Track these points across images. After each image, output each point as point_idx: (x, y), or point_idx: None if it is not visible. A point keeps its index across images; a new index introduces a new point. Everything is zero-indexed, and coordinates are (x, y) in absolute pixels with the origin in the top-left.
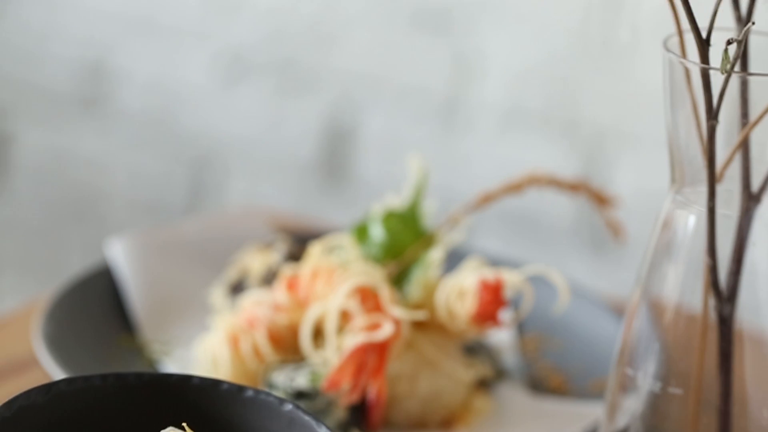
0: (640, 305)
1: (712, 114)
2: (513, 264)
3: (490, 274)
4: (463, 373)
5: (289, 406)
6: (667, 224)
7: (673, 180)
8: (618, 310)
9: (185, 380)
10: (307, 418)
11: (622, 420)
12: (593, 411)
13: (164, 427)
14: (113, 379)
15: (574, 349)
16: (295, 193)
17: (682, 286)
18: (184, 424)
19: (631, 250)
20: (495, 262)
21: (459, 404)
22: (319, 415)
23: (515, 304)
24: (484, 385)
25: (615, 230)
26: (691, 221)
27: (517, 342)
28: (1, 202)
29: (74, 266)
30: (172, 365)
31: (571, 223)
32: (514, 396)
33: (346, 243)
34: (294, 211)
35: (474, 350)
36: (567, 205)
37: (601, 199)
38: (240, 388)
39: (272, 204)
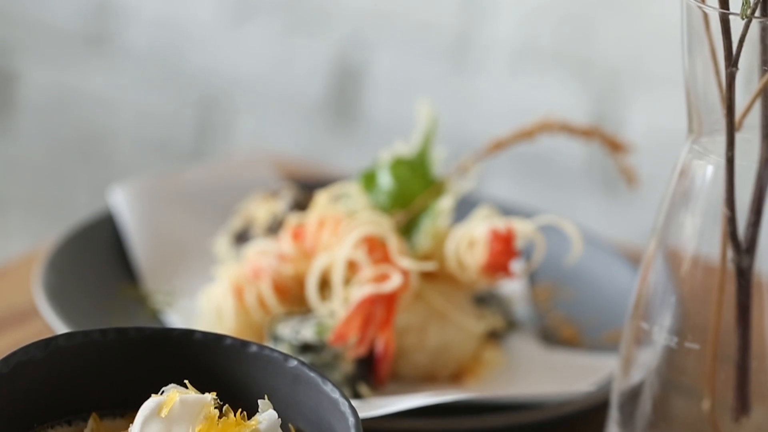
0: (656, 256)
1: (732, 61)
2: (525, 212)
3: (501, 224)
4: (473, 324)
5: (293, 363)
6: (684, 174)
7: (690, 129)
8: (632, 258)
9: (187, 335)
10: (312, 374)
11: (636, 374)
12: (607, 364)
13: (166, 384)
14: (113, 334)
15: (587, 300)
16: (304, 133)
17: (700, 238)
18: (186, 382)
19: (644, 190)
20: (506, 211)
21: (469, 357)
22: (325, 369)
23: (527, 254)
24: (494, 336)
25: (629, 177)
26: (708, 171)
27: (529, 292)
28: (7, 141)
29: (81, 206)
30: (175, 317)
31: (583, 163)
32: (525, 348)
33: (354, 191)
34: (302, 153)
35: (484, 301)
36: (578, 146)
37: (614, 146)
38: (243, 344)
39: (280, 145)
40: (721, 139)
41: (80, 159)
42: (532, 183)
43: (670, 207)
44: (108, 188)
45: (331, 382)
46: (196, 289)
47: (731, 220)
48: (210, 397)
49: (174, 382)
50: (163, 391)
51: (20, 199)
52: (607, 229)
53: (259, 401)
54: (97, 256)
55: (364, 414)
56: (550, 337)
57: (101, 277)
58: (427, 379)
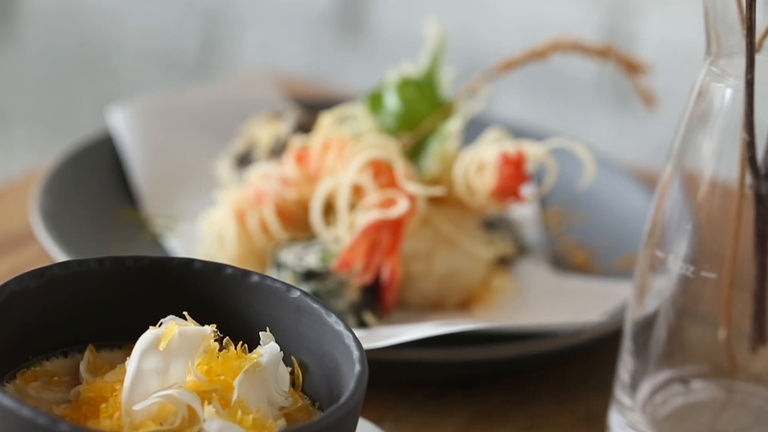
0: (672, 181)
1: None
2: (535, 134)
3: (511, 147)
4: (482, 250)
5: (296, 293)
6: (701, 97)
7: (708, 50)
8: (644, 179)
9: (187, 264)
10: (315, 305)
11: (650, 304)
12: (620, 291)
13: (164, 315)
14: (110, 263)
15: (600, 224)
16: (310, 46)
17: (717, 163)
18: (185, 313)
19: (658, 105)
20: (516, 132)
21: (478, 283)
22: (329, 297)
23: (538, 177)
24: (504, 262)
25: (647, 99)
26: (727, 94)
27: (540, 217)
28: (10, 53)
29: (85, 119)
30: (175, 242)
31: (594, 78)
32: (536, 274)
33: (359, 113)
34: (308, 68)
35: (494, 226)
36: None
37: (631, 66)
38: (244, 273)
39: (285, 59)
40: (741, 62)
41: (84, 71)
42: (541, 99)
43: (687, 131)
44: (111, 101)
45: (335, 313)
46: (198, 213)
47: (750, 145)
48: (210, 329)
49: (173, 313)
50: (161, 323)
51: (23, 113)
52: (618, 145)
53: (261, 333)
54: (96, 178)
55: (369, 345)
56: (562, 263)
57: (100, 201)
58: (434, 307)
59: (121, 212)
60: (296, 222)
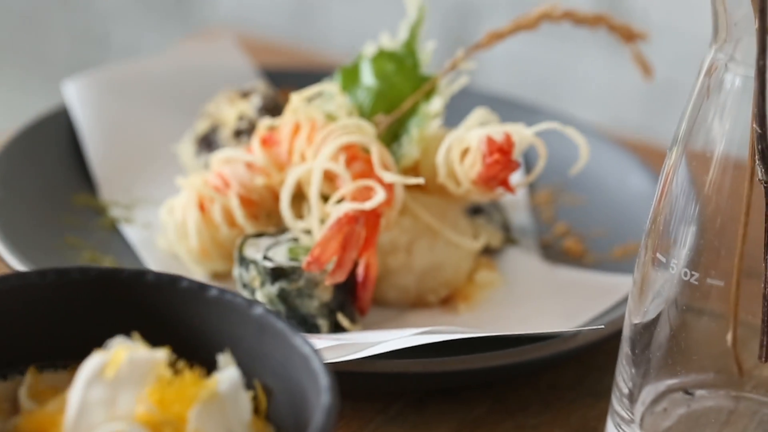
0: (676, 173)
1: None
2: (524, 107)
3: (498, 131)
4: (467, 242)
5: (259, 310)
6: (708, 84)
7: (715, 35)
8: (645, 152)
9: (138, 276)
10: (280, 324)
11: (652, 307)
12: (617, 285)
13: (114, 331)
14: (53, 276)
15: (595, 207)
16: None
17: (725, 157)
18: (136, 334)
19: (653, 39)
20: (504, 106)
21: (462, 278)
22: (299, 297)
23: (526, 157)
24: (490, 252)
25: (644, 68)
26: (736, 82)
27: (528, 199)
28: None
29: (62, 55)
30: (133, 232)
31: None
32: (525, 265)
33: (333, 91)
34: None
35: (479, 210)
36: None
37: (627, 34)
38: (201, 287)
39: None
40: (751, 46)
41: (59, 3)
42: (534, 34)
43: (692, 120)
44: (87, 36)
45: (301, 335)
46: (159, 199)
47: (762, 137)
48: (162, 354)
49: (123, 330)
50: (109, 345)
51: None
52: (613, 79)
53: (219, 356)
54: (46, 160)
55: (342, 358)
56: (553, 252)
57: (53, 185)
58: (415, 305)
59: (76, 198)
60: (264, 212)
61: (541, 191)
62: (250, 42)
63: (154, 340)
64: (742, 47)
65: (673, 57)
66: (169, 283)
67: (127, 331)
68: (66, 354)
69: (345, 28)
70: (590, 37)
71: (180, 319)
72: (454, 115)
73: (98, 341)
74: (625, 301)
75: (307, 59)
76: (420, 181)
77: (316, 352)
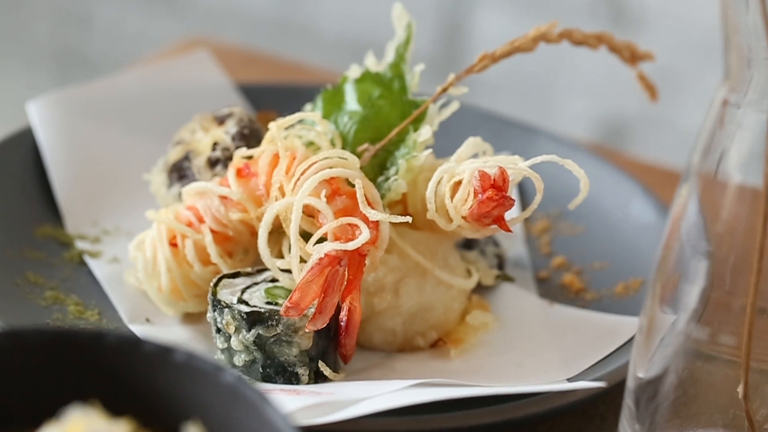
0: (687, 210)
1: None
2: (523, 127)
3: (491, 165)
4: (458, 280)
5: (230, 377)
6: (719, 124)
7: (727, 74)
8: (649, 175)
9: (97, 339)
10: (252, 393)
11: (657, 363)
12: (619, 328)
13: (71, 398)
14: (6, 339)
15: (595, 239)
16: None
17: (737, 199)
18: (95, 402)
19: (650, 24)
20: (501, 127)
21: (453, 320)
22: (278, 344)
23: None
24: (484, 288)
25: (650, 91)
26: (749, 121)
27: (524, 230)
28: None
29: (43, 35)
30: (100, 268)
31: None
32: (520, 304)
33: (314, 118)
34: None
35: (472, 243)
36: None
37: (631, 55)
38: (167, 351)
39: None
40: (765, 86)
41: None
42: (530, 18)
43: (703, 159)
44: (71, 17)
45: (275, 406)
46: (128, 231)
47: None
48: (124, 427)
49: (81, 397)
50: (66, 414)
51: None
52: (611, 67)
53: (186, 427)
54: (7, 187)
55: (322, 419)
56: (550, 287)
57: (12, 216)
58: (402, 349)
59: (38, 229)
60: (240, 249)
61: (538, 221)
62: (228, 52)
63: (115, 408)
64: (756, 86)
65: (671, 43)
66: (132, 346)
67: (85, 398)
68: (20, 423)
69: (335, 11)
70: (586, 22)
71: (144, 385)
72: (443, 129)
73: (54, 408)
74: (627, 345)
75: (289, 72)
76: (407, 219)
77: (292, 425)
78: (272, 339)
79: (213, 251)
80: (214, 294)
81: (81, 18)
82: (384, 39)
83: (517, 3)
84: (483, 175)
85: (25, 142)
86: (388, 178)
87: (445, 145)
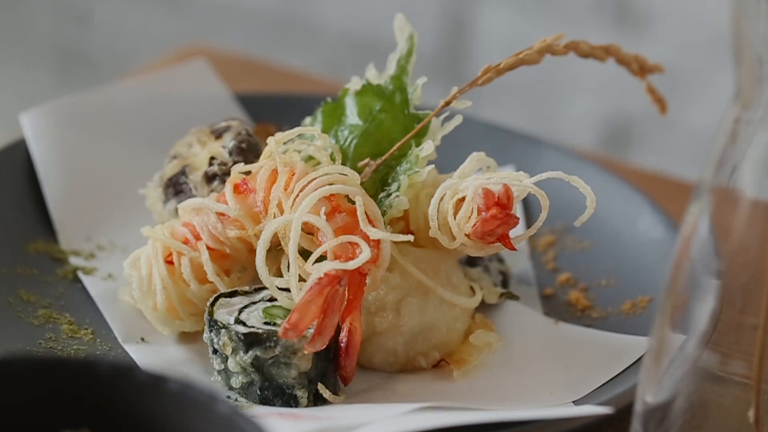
0: (698, 229)
1: None
2: (528, 138)
3: (495, 182)
4: (461, 299)
5: (225, 408)
6: (731, 143)
7: (739, 93)
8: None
9: (88, 367)
10: (247, 425)
11: (666, 387)
12: (627, 348)
13: (60, 430)
14: None
15: (601, 254)
16: None
17: (750, 221)
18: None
19: (656, 22)
20: (506, 139)
21: (456, 340)
22: (276, 366)
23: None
24: (487, 306)
25: (659, 104)
26: (761, 139)
27: (529, 245)
28: None
29: (43, 32)
30: (95, 285)
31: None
32: (526, 323)
33: (314, 133)
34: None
35: (476, 260)
36: None
37: (640, 68)
38: (161, 380)
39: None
40: None
41: None
42: (535, 15)
43: (716, 176)
44: (72, 14)
45: None
46: (124, 246)
47: None
48: None
49: (72, 427)
50: None
51: None
52: (616, 66)
53: None
54: (3, 198)
55: None
56: (556, 305)
57: (4, 231)
58: (404, 370)
59: (31, 245)
60: (237, 266)
61: (543, 236)
62: (226, 59)
63: None
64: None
65: (677, 42)
66: (124, 375)
67: (76, 427)
68: None
69: (337, 9)
70: (592, 20)
71: (136, 416)
72: (446, 142)
73: None
74: (634, 366)
75: (288, 81)
76: (409, 238)
77: None
78: (270, 361)
79: (210, 269)
80: (211, 314)
81: (81, 16)
82: (387, 37)
83: (523, 0)
84: (487, 193)
85: (17, 154)
86: (389, 195)
87: (448, 158)
